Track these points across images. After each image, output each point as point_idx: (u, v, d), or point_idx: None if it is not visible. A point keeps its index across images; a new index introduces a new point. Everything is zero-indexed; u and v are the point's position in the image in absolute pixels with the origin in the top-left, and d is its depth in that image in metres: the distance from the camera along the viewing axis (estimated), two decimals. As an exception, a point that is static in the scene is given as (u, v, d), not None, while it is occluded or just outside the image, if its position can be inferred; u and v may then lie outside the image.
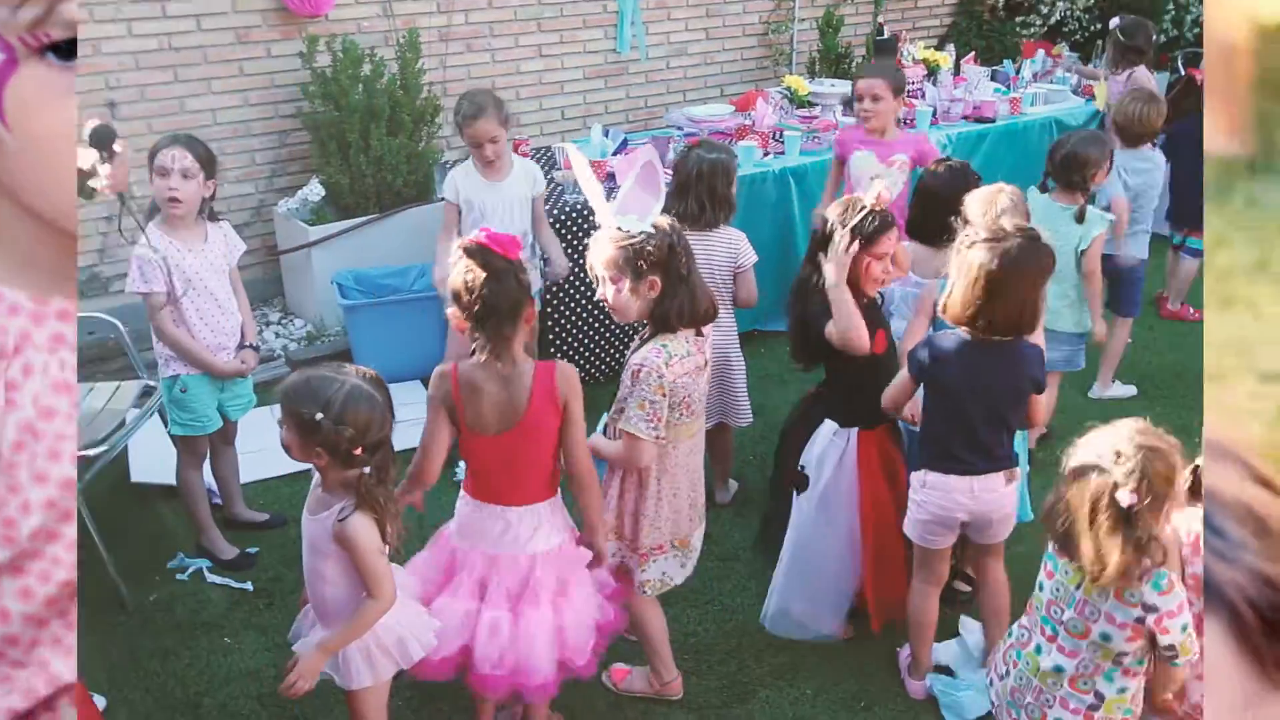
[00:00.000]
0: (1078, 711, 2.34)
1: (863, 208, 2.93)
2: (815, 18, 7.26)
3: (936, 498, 2.87)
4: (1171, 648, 2.18)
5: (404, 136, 5.31)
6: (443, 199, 4.19)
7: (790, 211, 5.21)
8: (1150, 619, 2.17)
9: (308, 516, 2.43)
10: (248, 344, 3.62)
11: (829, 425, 3.17)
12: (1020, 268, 2.62)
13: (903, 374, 2.92)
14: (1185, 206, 5.42)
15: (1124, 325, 4.82)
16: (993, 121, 5.98)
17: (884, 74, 4.49)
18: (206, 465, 3.72)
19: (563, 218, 4.66)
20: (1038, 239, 2.70)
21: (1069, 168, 4.04)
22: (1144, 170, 4.73)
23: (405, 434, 4.45)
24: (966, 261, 2.66)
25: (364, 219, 5.23)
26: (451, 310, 2.51)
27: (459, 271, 2.44)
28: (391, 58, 5.42)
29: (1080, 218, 4.01)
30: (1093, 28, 8.25)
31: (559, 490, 2.68)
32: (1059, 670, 2.34)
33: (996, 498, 2.87)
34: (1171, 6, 8.64)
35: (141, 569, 3.61)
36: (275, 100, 5.49)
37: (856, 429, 3.14)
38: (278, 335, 5.36)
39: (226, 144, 5.41)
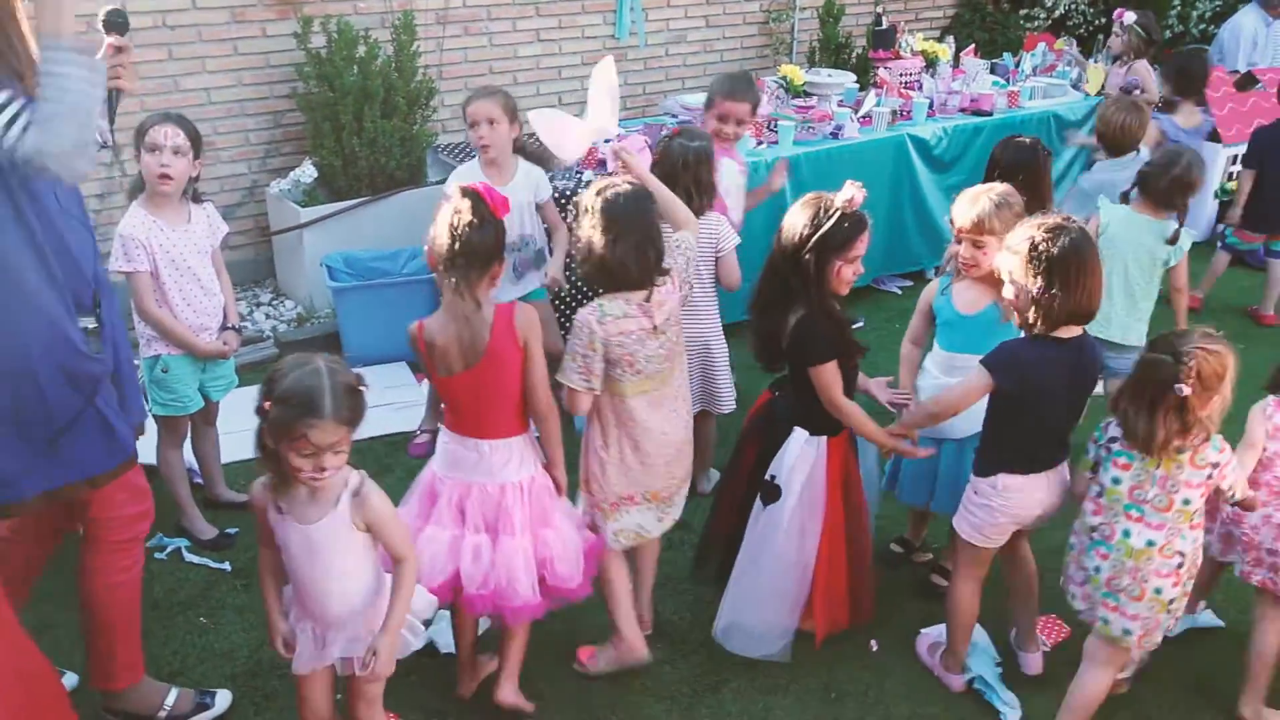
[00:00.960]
0: (1170, 575, 2.67)
1: (835, 211, 2.87)
2: (816, 7, 7.23)
3: (1017, 500, 2.87)
4: (1231, 488, 2.71)
5: (398, 119, 5.30)
6: (446, 196, 4.13)
7: (784, 200, 5.15)
8: (1215, 473, 2.64)
9: (304, 527, 2.36)
10: (230, 325, 3.62)
11: (800, 433, 3.05)
12: (1085, 253, 2.69)
13: (972, 382, 2.83)
14: (1265, 211, 5.50)
15: None
16: (990, 115, 5.94)
17: (750, 96, 4.18)
18: (187, 445, 3.73)
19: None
20: (1083, 228, 2.78)
21: (1177, 190, 3.94)
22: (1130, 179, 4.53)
23: (393, 417, 4.50)
24: (1028, 257, 2.68)
25: (356, 201, 5.23)
26: (429, 247, 2.69)
27: (449, 210, 2.63)
28: (387, 40, 5.41)
29: (1174, 239, 3.94)
30: (1097, 21, 8.21)
31: (529, 428, 2.87)
32: (1150, 544, 2.65)
33: (1064, 482, 2.94)
34: (1178, 2, 8.60)
35: (122, 547, 3.61)
36: (270, 80, 5.48)
37: (825, 437, 3.06)
38: (268, 316, 5.37)
39: (220, 123, 5.42)
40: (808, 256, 2.87)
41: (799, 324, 2.93)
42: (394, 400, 4.66)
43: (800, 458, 3.05)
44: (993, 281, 3.04)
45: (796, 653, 3.22)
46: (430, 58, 5.78)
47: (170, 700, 2.92)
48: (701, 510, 3.87)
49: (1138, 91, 5.86)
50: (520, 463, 2.82)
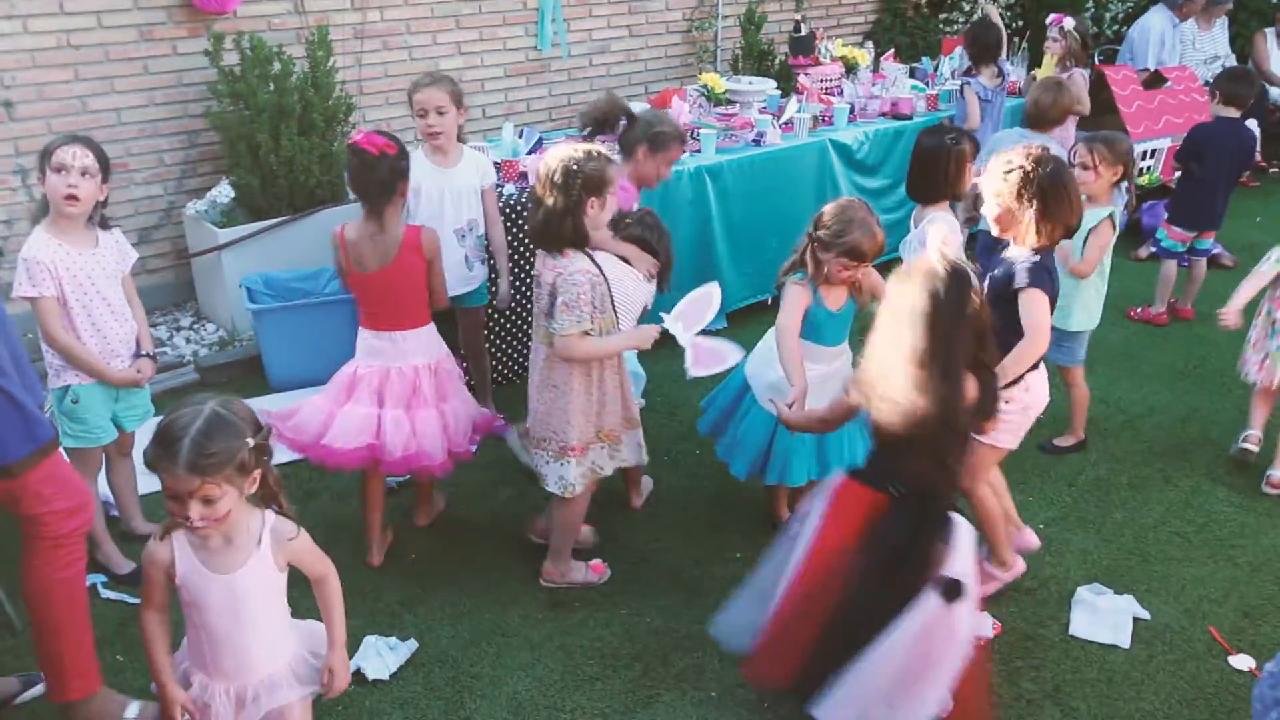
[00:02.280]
0: None
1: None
2: (739, 14, 7.28)
3: (1039, 392, 3.27)
4: None
5: (316, 136, 5.21)
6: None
7: (707, 209, 5.21)
8: None
9: (226, 577, 2.26)
10: (145, 353, 3.52)
11: (963, 521, 2.72)
12: (1066, 175, 3.14)
13: (1040, 305, 3.10)
14: (1196, 209, 5.63)
15: None
16: (910, 118, 6.02)
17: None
18: (102, 477, 3.62)
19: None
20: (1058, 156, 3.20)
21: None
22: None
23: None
24: (1020, 183, 3.07)
25: (275, 221, 5.13)
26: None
27: (348, 160, 3.43)
28: (302, 56, 5.33)
29: None
30: (1014, 24, 8.37)
31: (432, 320, 3.56)
32: None
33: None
34: (1091, 4, 8.81)
35: (34, 585, 3.50)
36: (183, 99, 5.37)
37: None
38: (189, 341, 5.25)
39: (133, 144, 5.30)
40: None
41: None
42: (319, 422, 4.57)
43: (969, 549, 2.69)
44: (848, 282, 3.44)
45: (730, 663, 3.22)
46: (349, 73, 5.71)
47: (132, 713, 2.84)
48: (631, 524, 3.89)
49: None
50: (427, 349, 3.51)
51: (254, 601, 2.30)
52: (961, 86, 6.01)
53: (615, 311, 3.26)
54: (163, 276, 5.55)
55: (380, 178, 3.32)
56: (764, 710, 3.08)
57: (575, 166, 3.09)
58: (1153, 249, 6.35)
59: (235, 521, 2.25)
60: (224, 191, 5.30)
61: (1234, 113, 5.59)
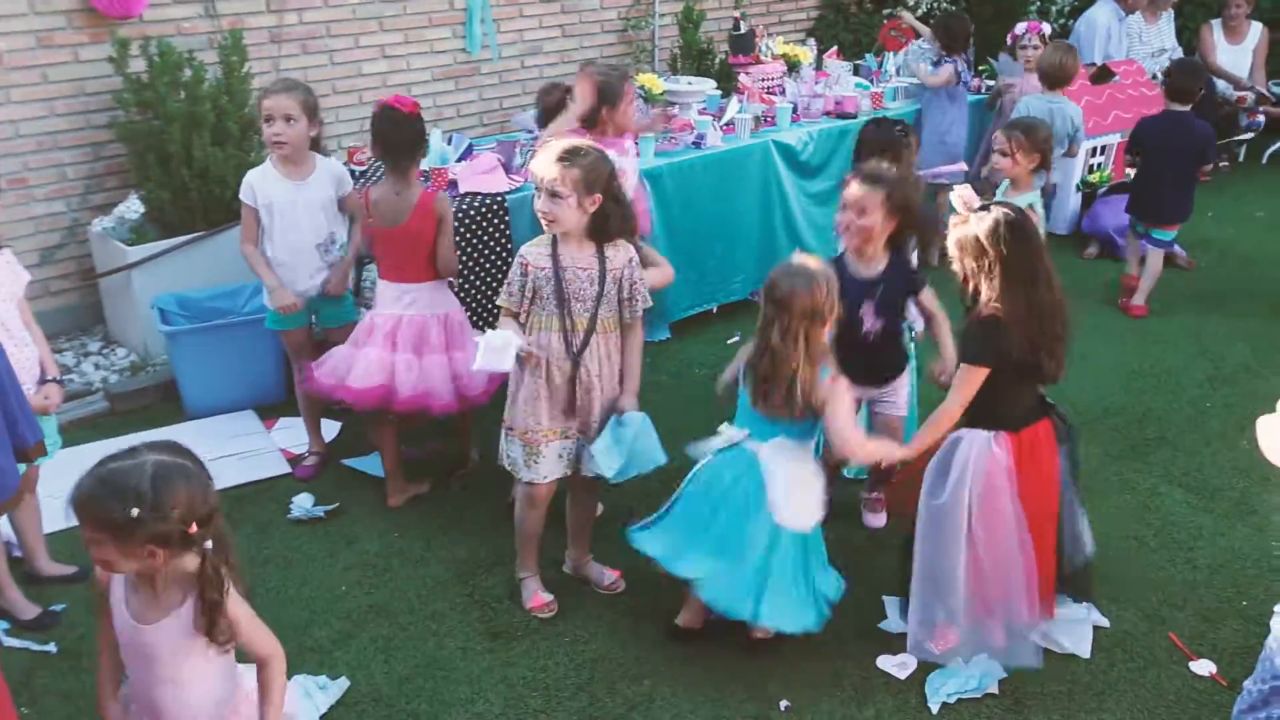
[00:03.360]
0: None
1: None
2: (676, 13, 7.32)
3: None
4: None
5: (231, 146, 5.13)
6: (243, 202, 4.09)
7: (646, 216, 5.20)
8: None
9: (138, 626, 2.21)
10: (50, 378, 3.43)
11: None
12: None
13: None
14: (1148, 200, 5.85)
15: None
16: (854, 117, 6.08)
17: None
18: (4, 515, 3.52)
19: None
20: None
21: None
22: (1060, 112, 5.98)
23: (239, 467, 4.34)
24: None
25: (189, 237, 5.04)
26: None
27: (376, 119, 3.82)
28: (215, 62, 5.25)
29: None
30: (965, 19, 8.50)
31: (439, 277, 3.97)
32: None
33: None
34: (1036, 1, 8.99)
35: (-70, 635, 3.40)
36: (86, 110, 5.25)
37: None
38: (98, 367, 5.13)
39: (31, 158, 5.18)
40: None
41: None
42: (241, 450, 4.50)
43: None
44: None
45: (682, 688, 3.22)
46: (265, 79, 5.62)
47: None
48: (576, 545, 3.87)
49: (1074, 130, 6.20)
50: (434, 302, 3.95)
51: (159, 661, 2.23)
52: (939, 60, 6.38)
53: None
54: (68, 299, 5.42)
55: (409, 136, 3.80)
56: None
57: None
58: (1092, 250, 6.73)
59: (166, 576, 2.20)
60: (133, 207, 5.20)
61: (1181, 107, 5.74)
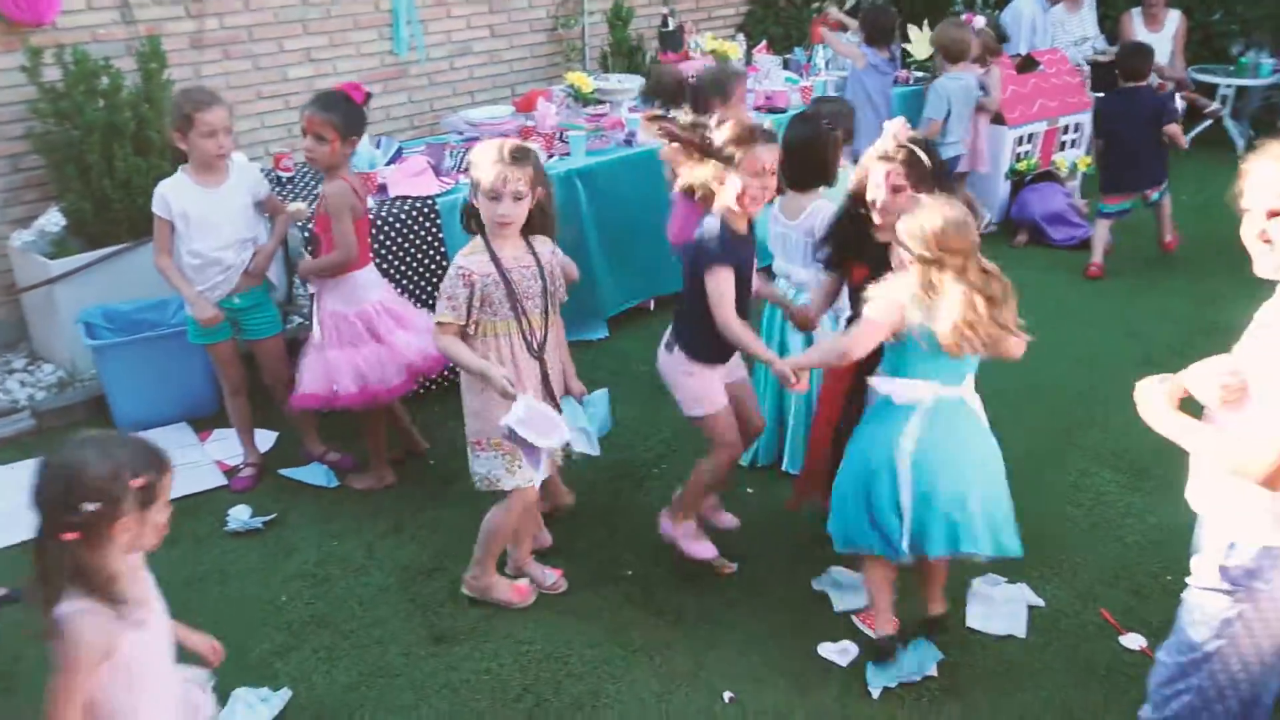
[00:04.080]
0: None
1: None
2: (605, 10, 7.35)
3: None
4: None
5: (154, 155, 5.08)
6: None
7: (579, 213, 5.24)
8: None
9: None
10: (-32, 399, 3.40)
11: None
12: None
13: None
14: (1124, 171, 6.36)
15: None
16: (785, 111, 6.16)
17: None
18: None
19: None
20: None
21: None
22: (960, 88, 6.32)
23: (175, 481, 4.29)
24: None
25: (114, 249, 4.98)
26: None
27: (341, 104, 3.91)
28: (133, 69, 5.19)
29: None
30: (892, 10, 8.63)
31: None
32: None
33: None
34: (962, -9, 9.16)
35: None
36: (1, 121, 5.17)
37: None
38: (23, 384, 5.05)
39: (-55, 172, 5.09)
40: None
41: None
42: (175, 463, 4.44)
43: None
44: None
45: (627, 689, 3.26)
46: (188, 84, 5.57)
47: None
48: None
49: (980, 92, 6.54)
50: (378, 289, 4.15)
51: None
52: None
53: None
54: (-11, 315, 5.34)
55: (364, 120, 4.02)
56: (659, 667, 3.14)
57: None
58: (1021, 238, 7.06)
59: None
60: (53, 219, 5.13)
61: (1136, 84, 6.30)
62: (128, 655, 2.15)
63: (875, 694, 3.23)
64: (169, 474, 2.19)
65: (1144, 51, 6.44)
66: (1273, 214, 2.18)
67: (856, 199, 3.39)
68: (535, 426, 3.08)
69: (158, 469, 2.15)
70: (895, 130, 3.34)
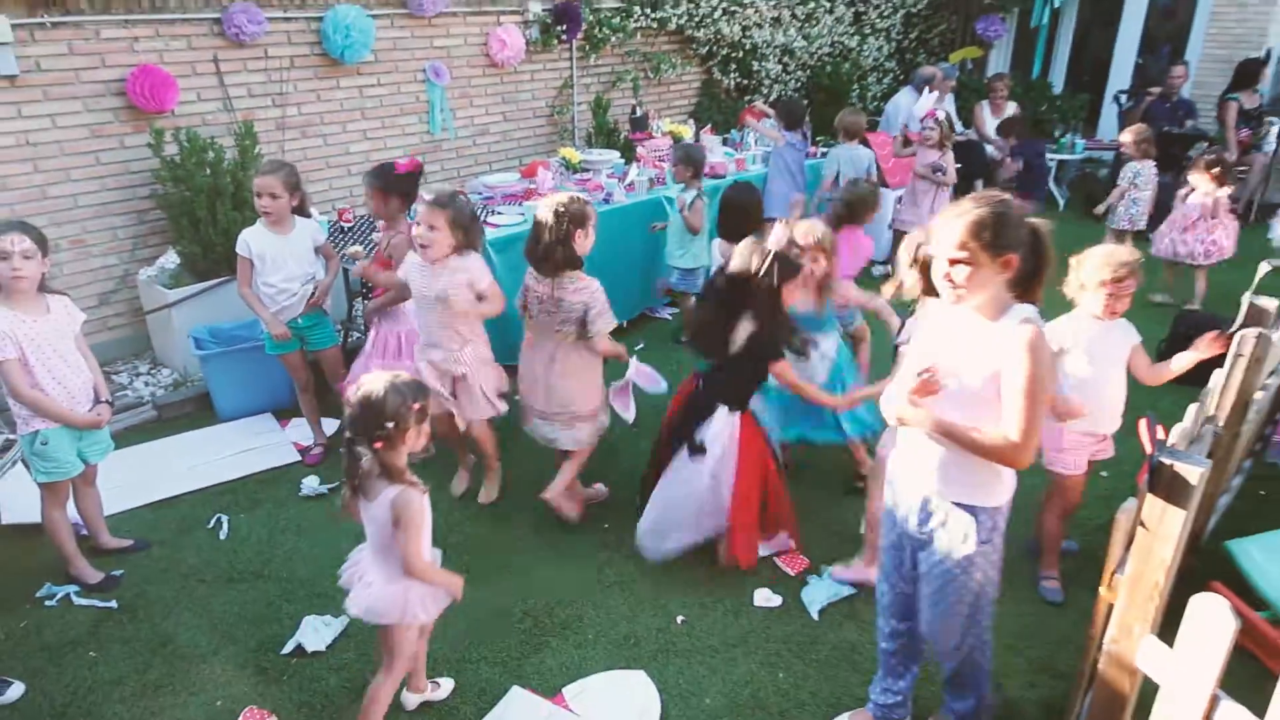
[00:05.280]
0: None
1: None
2: (589, 101, 7.32)
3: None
4: None
5: (248, 210, 5.00)
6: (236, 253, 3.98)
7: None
8: None
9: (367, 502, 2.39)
10: (102, 399, 3.32)
11: (723, 409, 3.18)
12: None
13: None
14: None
15: None
16: (724, 177, 6.16)
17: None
18: (72, 502, 3.40)
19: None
20: None
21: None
22: (856, 156, 6.15)
23: (262, 457, 4.25)
24: None
25: (216, 281, 4.91)
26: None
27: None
28: (232, 145, 5.12)
29: None
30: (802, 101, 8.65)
31: None
32: None
33: None
34: (856, 88, 9.19)
35: (14, 599, 3.26)
36: (132, 185, 5.08)
37: (740, 413, 3.22)
38: (147, 384, 4.97)
39: (89, 224, 5.00)
40: (765, 282, 2.99)
41: (754, 334, 3.05)
42: (261, 444, 4.41)
43: (723, 427, 3.20)
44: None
45: (603, 612, 3.23)
46: (274, 156, 5.51)
47: None
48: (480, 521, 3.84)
49: (939, 174, 6.36)
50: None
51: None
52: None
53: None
54: (122, 332, 5.25)
55: (403, 184, 3.95)
56: (629, 645, 3.10)
57: (561, 208, 3.26)
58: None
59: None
60: (171, 259, 5.06)
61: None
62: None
63: (815, 616, 3.19)
64: (429, 399, 2.39)
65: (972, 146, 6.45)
66: (953, 261, 2.09)
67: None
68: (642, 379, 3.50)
69: (425, 396, 2.36)
70: (779, 233, 3.37)
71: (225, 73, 5.27)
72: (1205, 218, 5.87)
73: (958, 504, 2.27)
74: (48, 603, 3.25)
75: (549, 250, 3.29)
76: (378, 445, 2.29)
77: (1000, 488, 2.26)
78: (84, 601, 3.26)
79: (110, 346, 5.13)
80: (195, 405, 4.74)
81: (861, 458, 3.84)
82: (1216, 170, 5.75)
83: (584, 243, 3.33)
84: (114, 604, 3.25)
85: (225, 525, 3.71)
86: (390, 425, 2.28)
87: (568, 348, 3.44)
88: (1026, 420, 2.07)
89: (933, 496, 2.30)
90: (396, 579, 2.42)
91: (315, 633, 3.07)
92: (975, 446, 2.15)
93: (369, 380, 2.33)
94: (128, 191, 5.09)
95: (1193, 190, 5.90)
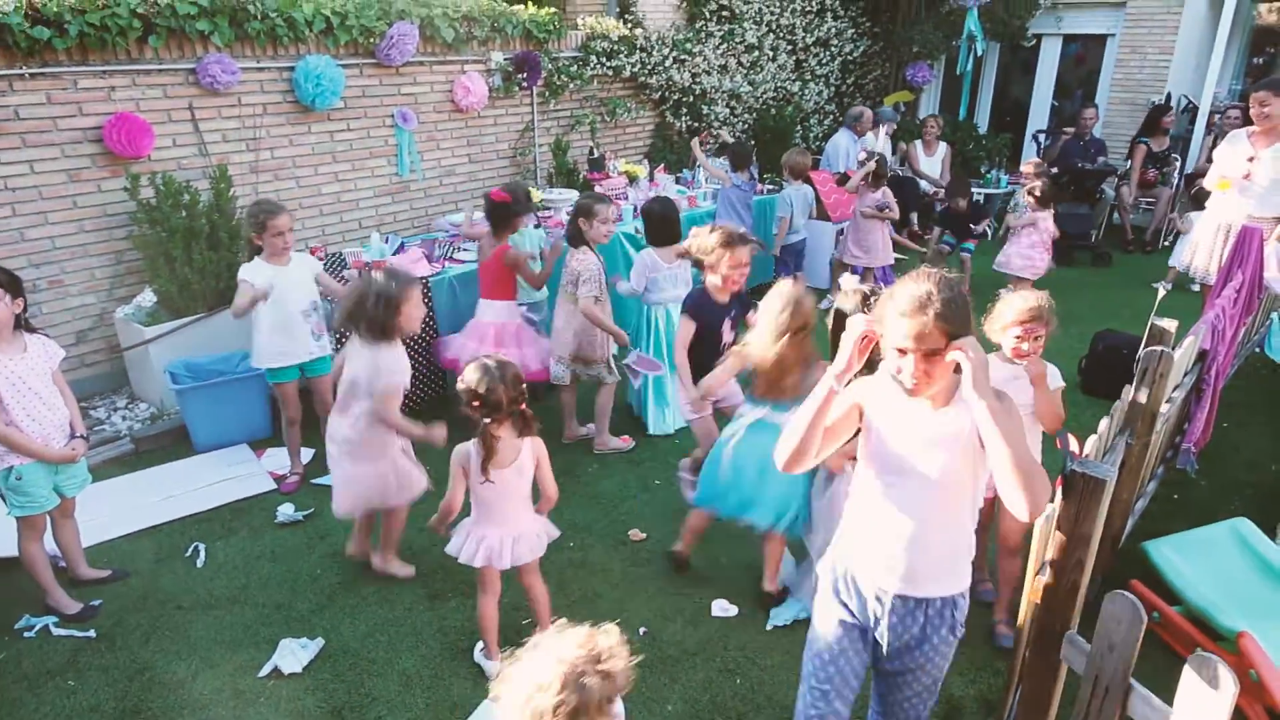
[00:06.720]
0: None
1: None
2: (550, 143, 7.39)
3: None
4: None
5: (222, 250, 4.98)
6: (240, 280, 3.93)
7: (534, 288, 5.22)
8: None
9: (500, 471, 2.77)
10: (78, 435, 3.26)
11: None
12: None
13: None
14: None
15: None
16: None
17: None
18: (50, 534, 3.32)
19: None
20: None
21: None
22: (800, 194, 6.47)
23: (238, 486, 4.19)
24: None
25: (192, 318, 4.85)
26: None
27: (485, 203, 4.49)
28: (207, 189, 5.09)
29: None
30: (749, 145, 8.82)
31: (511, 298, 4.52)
32: None
33: None
34: (799, 128, 9.39)
35: (-8, 633, 3.17)
36: (109, 227, 5.01)
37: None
38: (124, 419, 4.87)
39: (67, 264, 4.91)
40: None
41: None
42: (238, 474, 4.35)
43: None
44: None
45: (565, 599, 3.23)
46: (247, 199, 5.47)
47: None
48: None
49: (886, 210, 6.43)
50: (498, 314, 4.49)
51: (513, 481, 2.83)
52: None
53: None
54: (100, 368, 5.15)
55: (501, 214, 4.38)
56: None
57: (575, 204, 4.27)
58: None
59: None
60: (147, 297, 4.98)
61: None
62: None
63: (769, 627, 3.20)
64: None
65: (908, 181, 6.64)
66: (901, 351, 1.83)
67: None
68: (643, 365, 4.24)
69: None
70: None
71: (200, 119, 5.24)
72: (1026, 235, 6.24)
73: (944, 598, 1.96)
74: (26, 634, 3.16)
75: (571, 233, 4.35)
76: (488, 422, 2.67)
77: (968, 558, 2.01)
78: (62, 632, 3.18)
79: (88, 382, 5.03)
80: (172, 438, 4.66)
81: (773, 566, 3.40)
82: (1037, 194, 6.15)
83: (590, 229, 4.33)
84: (92, 633, 3.18)
85: (203, 553, 3.64)
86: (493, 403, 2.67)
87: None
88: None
89: (912, 595, 1.96)
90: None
91: (292, 655, 3.03)
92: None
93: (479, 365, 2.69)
94: (104, 233, 5.02)
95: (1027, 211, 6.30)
